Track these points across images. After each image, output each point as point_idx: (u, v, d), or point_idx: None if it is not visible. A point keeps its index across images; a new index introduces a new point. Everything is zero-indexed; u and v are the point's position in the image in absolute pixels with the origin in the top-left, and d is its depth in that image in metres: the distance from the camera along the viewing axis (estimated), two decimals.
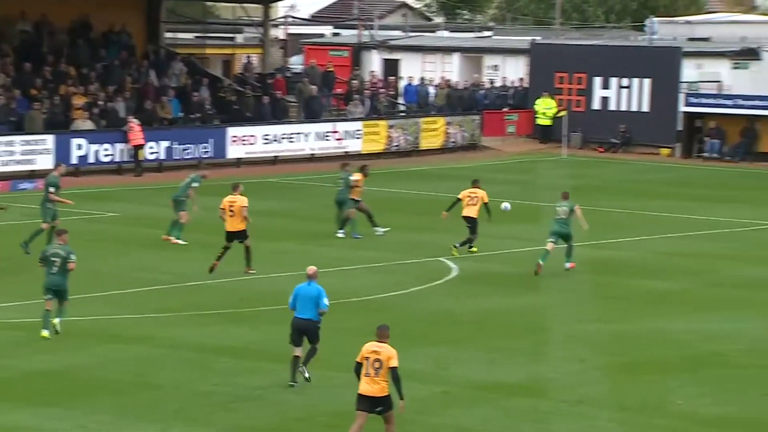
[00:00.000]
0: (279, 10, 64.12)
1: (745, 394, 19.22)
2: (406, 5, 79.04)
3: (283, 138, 45.74)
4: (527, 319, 23.76)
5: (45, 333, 21.27)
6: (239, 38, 61.93)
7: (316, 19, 71.78)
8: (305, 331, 18.92)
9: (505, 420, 17.86)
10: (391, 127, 48.44)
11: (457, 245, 29.05)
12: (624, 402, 18.73)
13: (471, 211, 29.03)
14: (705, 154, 49.66)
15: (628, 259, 29.36)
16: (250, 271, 26.83)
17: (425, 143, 49.18)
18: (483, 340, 22.10)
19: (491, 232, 30.08)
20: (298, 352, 18.97)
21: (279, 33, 64.55)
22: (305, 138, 46.26)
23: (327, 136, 46.68)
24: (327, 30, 66.69)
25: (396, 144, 48.41)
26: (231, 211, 26.71)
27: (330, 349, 20.39)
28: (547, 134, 52.24)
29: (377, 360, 15.88)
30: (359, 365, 16.03)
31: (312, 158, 45.85)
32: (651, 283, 27.18)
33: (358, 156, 45.85)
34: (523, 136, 52.80)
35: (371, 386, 15.89)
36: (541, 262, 27.14)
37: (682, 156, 49.83)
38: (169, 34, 52.62)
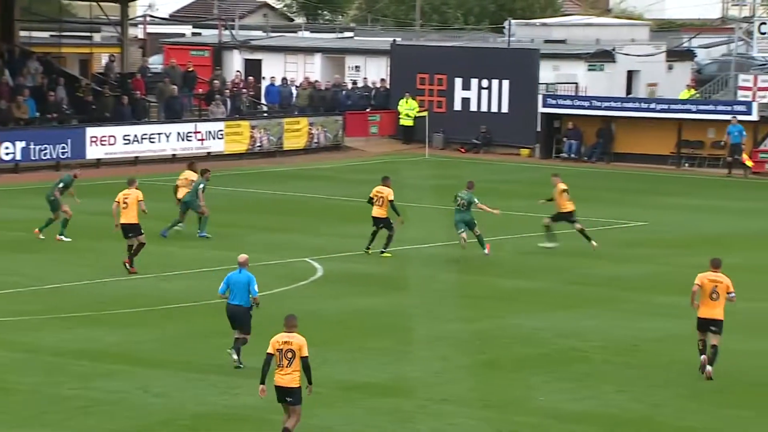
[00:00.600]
0: (137, 9, 63.21)
1: (601, 389, 19.61)
2: (267, 5, 78.73)
3: (143, 138, 45.14)
4: (391, 319, 23.87)
5: None
6: (97, 37, 60.79)
7: (175, 18, 70.99)
8: (236, 317, 19.62)
9: (370, 419, 17.92)
10: (253, 127, 48.20)
11: (383, 249, 29.25)
12: (487, 399, 18.94)
13: (377, 212, 29.49)
14: (563, 155, 50.54)
15: (489, 258, 29.70)
16: (132, 270, 26.79)
17: (288, 144, 49.06)
18: (347, 340, 22.14)
19: (356, 232, 30.12)
20: (237, 334, 19.73)
21: (138, 32, 63.62)
22: (166, 138, 45.74)
23: (189, 136, 46.24)
24: (187, 29, 65.99)
25: (259, 144, 48.19)
26: (125, 203, 27.01)
27: (192, 351, 20.20)
28: (409, 135, 52.57)
29: (290, 350, 16.22)
30: (270, 357, 16.25)
31: (174, 159, 45.34)
32: (511, 281, 27.57)
33: (221, 156, 45.55)
34: (386, 136, 53.03)
35: (283, 377, 16.23)
36: (486, 252, 29.16)
37: (542, 156, 50.62)
38: (23, 33, 51.43)
